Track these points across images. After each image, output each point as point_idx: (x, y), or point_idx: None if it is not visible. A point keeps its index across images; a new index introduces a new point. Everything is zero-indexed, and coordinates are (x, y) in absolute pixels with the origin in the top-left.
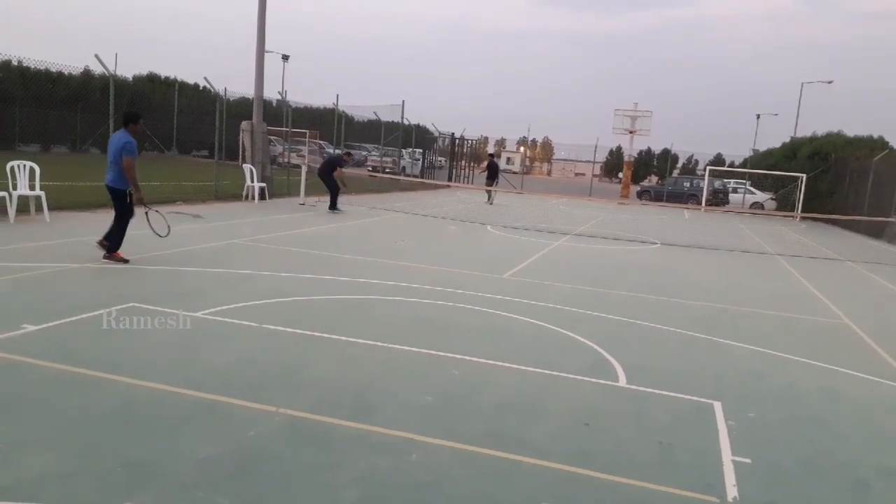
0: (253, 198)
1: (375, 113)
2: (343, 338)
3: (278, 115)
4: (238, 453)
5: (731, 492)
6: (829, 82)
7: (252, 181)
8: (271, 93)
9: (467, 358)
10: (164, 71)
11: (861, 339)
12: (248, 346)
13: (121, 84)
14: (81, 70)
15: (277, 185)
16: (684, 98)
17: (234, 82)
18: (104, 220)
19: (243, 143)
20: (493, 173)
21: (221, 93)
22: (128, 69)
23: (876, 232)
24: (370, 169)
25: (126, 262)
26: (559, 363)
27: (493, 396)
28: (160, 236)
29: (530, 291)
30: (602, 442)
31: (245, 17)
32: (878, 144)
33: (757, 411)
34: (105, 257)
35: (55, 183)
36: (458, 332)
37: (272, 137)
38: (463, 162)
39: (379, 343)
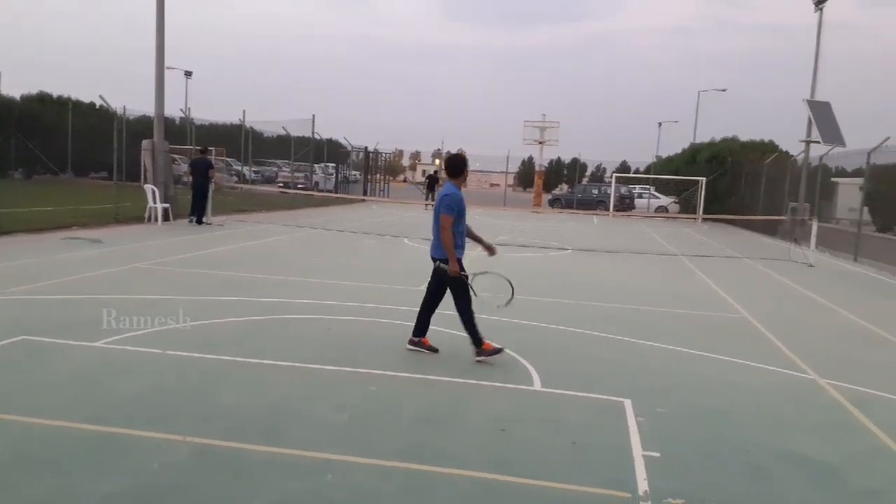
0: (156, 219)
1: (284, 128)
2: (254, 360)
3: (182, 132)
4: (142, 487)
5: (642, 486)
6: (723, 90)
7: (155, 202)
8: (174, 110)
9: (385, 373)
10: (55, 90)
11: (759, 331)
12: (152, 375)
13: (7, 104)
14: None
15: (183, 206)
16: (591, 108)
17: (135, 100)
18: None
19: (144, 163)
20: (431, 185)
21: (120, 111)
22: (15, 88)
23: (770, 230)
24: (281, 185)
25: (435, 350)
26: (476, 372)
27: (411, 410)
28: (498, 307)
29: (447, 302)
30: (518, 447)
31: (145, 33)
32: (769, 148)
33: (665, 406)
34: (477, 357)
35: None
36: (375, 347)
37: (176, 156)
38: (378, 175)
39: (293, 363)
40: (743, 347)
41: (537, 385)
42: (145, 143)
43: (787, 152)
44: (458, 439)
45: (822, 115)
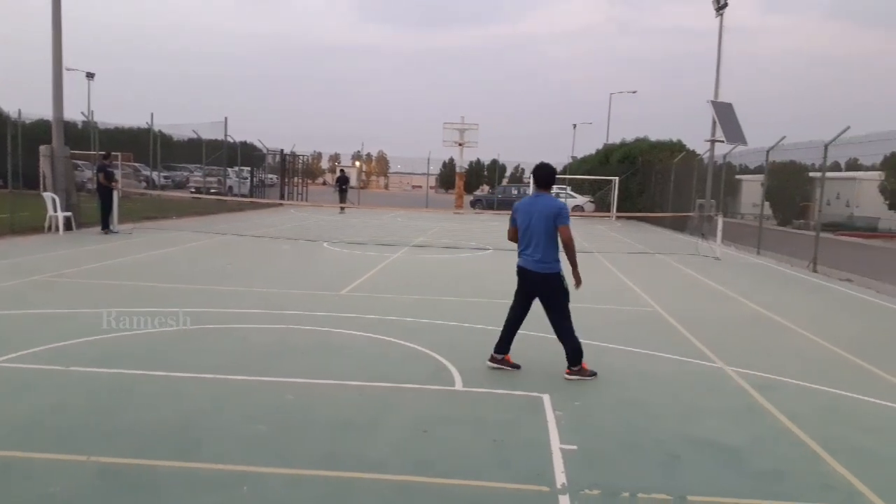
0: (57, 229)
1: (195, 131)
2: (164, 373)
3: (85, 137)
4: None
5: (560, 479)
6: (634, 92)
7: (55, 210)
8: (75, 114)
9: (303, 380)
10: None
11: (670, 324)
12: (53, 393)
13: None
14: None
15: (87, 214)
16: (508, 110)
17: (32, 103)
18: None
19: (43, 170)
20: (342, 186)
21: (14, 115)
22: None
23: (679, 226)
24: (193, 190)
25: (594, 374)
26: (398, 375)
27: (330, 416)
28: None
29: (369, 306)
30: (440, 447)
31: (41, 32)
32: (677, 147)
33: (582, 400)
34: (569, 373)
35: None
36: (292, 355)
37: (78, 162)
38: (296, 179)
39: (206, 375)
40: (655, 340)
41: (459, 385)
42: (43, 148)
43: (693, 151)
44: (378, 443)
45: (726, 116)
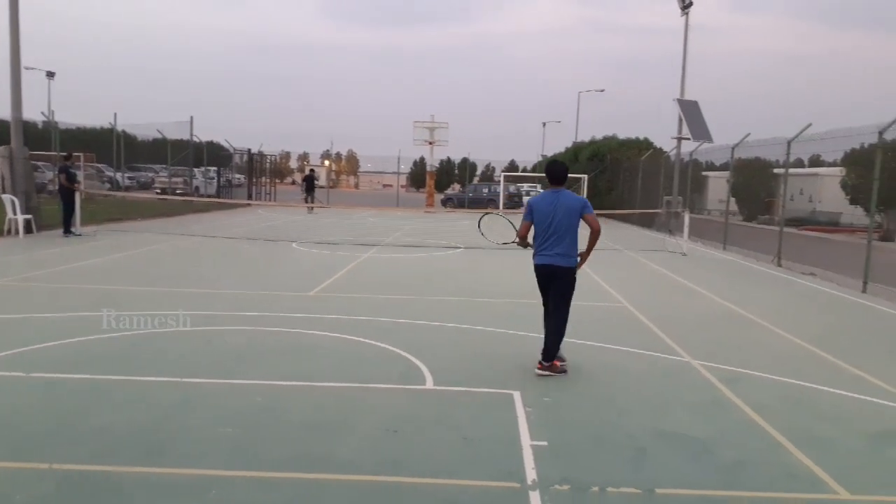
0: (17, 232)
1: (160, 131)
2: (130, 378)
3: (45, 137)
4: None
5: (531, 475)
6: (601, 90)
7: (15, 213)
8: (35, 114)
9: (271, 382)
10: None
11: (638, 319)
12: (13, 400)
13: None
14: None
15: (48, 216)
16: (478, 109)
17: None
18: None
19: (2, 172)
20: (310, 186)
21: None
22: None
23: (647, 222)
24: (159, 191)
25: (564, 371)
26: (368, 375)
27: (299, 418)
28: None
29: (339, 306)
30: (411, 447)
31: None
32: (645, 145)
33: (552, 396)
34: (541, 368)
35: None
36: (261, 357)
37: (39, 163)
38: (264, 178)
39: (172, 379)
40: (624, 335)
41: (430, 384)
42: (2, 149)
43: (661, 149)
44: (348, 444)
45: (692, 113)
